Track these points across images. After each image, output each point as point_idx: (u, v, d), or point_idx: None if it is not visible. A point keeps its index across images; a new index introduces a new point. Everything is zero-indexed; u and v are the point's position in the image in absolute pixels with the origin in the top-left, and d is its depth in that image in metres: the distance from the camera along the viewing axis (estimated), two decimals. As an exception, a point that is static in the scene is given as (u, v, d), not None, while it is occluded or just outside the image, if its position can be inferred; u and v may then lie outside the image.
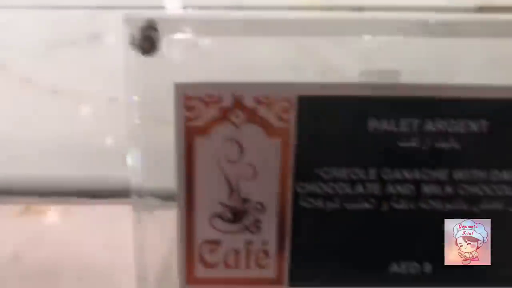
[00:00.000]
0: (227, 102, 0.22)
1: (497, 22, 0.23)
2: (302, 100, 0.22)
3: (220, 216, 0.24)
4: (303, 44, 0.26)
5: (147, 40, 0.21)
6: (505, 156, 0.23)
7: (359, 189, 0.23)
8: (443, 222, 0.24)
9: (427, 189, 0.23)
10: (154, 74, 0.22)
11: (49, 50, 0.35)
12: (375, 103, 0.22)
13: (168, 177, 0.24)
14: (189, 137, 0.22)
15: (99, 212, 0.31)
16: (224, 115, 0.22)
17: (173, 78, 0.22)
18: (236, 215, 0.24)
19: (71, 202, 0.33)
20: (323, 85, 0.22)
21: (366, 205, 0.24)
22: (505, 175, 0.23)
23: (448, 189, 0.24)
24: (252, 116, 0.22)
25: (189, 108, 0.22)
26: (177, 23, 0.22)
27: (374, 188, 0.23)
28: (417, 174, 0.23)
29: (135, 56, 0.21)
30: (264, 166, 0.23)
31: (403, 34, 0.23)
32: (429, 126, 0.23)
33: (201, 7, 0.24)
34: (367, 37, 0.23)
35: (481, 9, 0.28)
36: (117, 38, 0.23)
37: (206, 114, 0.22)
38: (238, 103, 0.22)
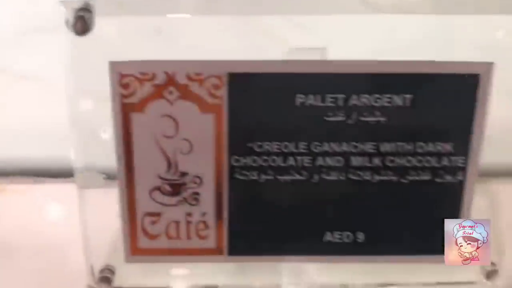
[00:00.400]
0: (160, 79, 0.23)
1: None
2: (232, 77, 0.23)
3: (159, 189, 0.25)
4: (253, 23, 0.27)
5: (80, 21, 0.22)
6: (429, 129, 0.24)
7: (291, 161, 0.25)
8: (373, 193, 0.25)
9: (355, 161, 0.25)
10: (90, 54, 0.23)
11: (19, 37, 0.36)
12: (302, 79, 0.23)
13: (111, 154, 0.25)
14: (126, 113, 0.23)
15: (56, 190, 0.32)
16: (158, 92, 0.23)
17: (109, 57, 0.23)
18: (174, 188, 0.25)
19: (30, 182, 0.34)
20: (252, 62, 0.23)
21: (298, 177, 0.25)
22: (430, 147, 0.25)
23: (376, 161, 0.25)
24: (185, 93, 0.23)
25: (124, 86, 0.23)
26: (112, 4, 0.23)
27: (305, 161, 0.25)
28: (345, 147, 0.24)
29: (72, 37, 0.22)
30: (200, 141, 0.24)
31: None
32: (354, 101, 0.24)
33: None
34: (323, 17, 0.24)
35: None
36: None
37: (141, 91, 0.23)
38: (171, 80, 0.23)
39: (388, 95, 0.24)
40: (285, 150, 0.24)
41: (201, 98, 0.23)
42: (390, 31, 0.26)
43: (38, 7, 0.36)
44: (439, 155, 0.25)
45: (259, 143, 0.24)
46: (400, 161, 0.25)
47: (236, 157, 0.25)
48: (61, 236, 0.30)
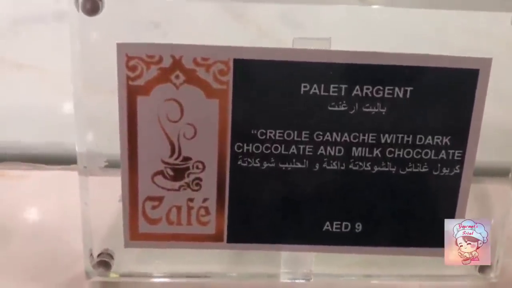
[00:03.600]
0: (167, 63, 0.23)
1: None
2: (238, 63, 0.23)
3: (162, 174, 0.25)
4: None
5: (90, 1, 0.22)
6: (428, 122, 0.25)
7: (293, 149, 0.25)
8: (372, 184, 0.26)
9: (356, 151, 0.25)
10: (98, 34, 0.23)
11: (16, 26, 0.37)
12: (307, 68, 0.24)
13: (114, 140, 0.25)
14: (131, 96, 0.24)
15: (55, 176, 0.33)
16: (164, 76, 0.23)
17: (116, 38, 0.23)
18: (177, 173, 0.25)
19: (29, 168, 0.34)
20: (258, 50, 0.23)
21: (300, 165, 0.25)
22: (429, 139, 0.25)
23: (376, 152, 0.25)
24: (192, 78, 0.24)
25: (130, 68, 0.23)
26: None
27: (307, 149, 0.25)
28: (346, 137, 0.25)
29: (80, 17, 0.22)
30: (204, 126, 0.24)
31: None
32: (357, 91, 0.24)
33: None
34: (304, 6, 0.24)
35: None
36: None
37: (147, 74, 0.23)
38: (177, 64, 0.23)
39: (389, 87, 0.24)
40: (288, 138, 0.25)
41: (207, 83, 0.24)
42: (391, 24, 0.27)
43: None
44: (437, 148, 0.25)
45: (263, 130, 0.25)
46: (399, 152, 0.25)
47: (239, 144, 0.25)
48: (60, 222, 0.30)
